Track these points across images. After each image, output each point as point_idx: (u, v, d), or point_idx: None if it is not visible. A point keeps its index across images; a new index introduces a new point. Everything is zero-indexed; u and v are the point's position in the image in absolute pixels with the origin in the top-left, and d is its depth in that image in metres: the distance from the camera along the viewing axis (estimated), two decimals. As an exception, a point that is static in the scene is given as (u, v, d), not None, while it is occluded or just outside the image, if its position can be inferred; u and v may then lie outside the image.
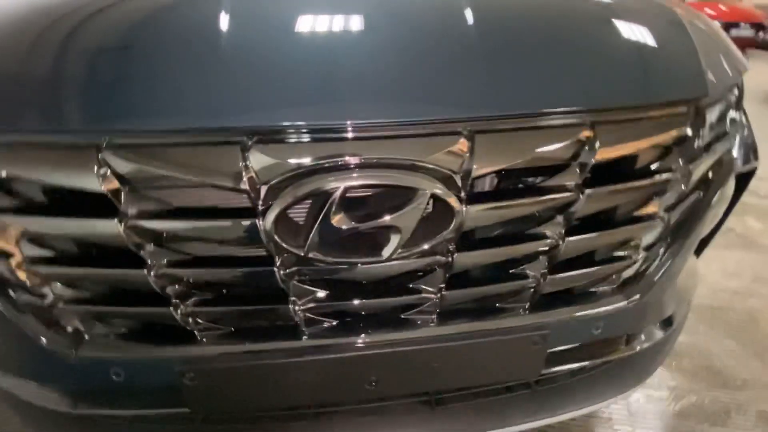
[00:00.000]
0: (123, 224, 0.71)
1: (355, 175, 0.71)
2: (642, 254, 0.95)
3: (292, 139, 0.71)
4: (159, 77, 0.71)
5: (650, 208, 0.90)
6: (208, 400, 0.86)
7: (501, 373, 0.95)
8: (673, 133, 0.84)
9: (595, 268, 0.92)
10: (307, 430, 0.95)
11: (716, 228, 1.18)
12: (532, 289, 0.89)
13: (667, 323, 1.11)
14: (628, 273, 0.98)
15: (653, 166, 0.88)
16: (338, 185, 0.70)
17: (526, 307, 0.91)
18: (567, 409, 1.05)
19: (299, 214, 0.79)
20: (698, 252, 1.22)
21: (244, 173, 0.69)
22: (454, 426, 0.98)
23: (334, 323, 0.85)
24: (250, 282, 0.81)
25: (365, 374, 0.86)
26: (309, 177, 0.70)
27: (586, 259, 0.93)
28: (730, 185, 1.06)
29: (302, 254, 0.74)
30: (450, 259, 0.80)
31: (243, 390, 0.85)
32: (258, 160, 0.69)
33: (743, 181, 1.12)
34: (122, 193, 0.71)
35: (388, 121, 0.71)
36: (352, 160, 0.70)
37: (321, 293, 0.82)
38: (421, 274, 0.85)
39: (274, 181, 0.70)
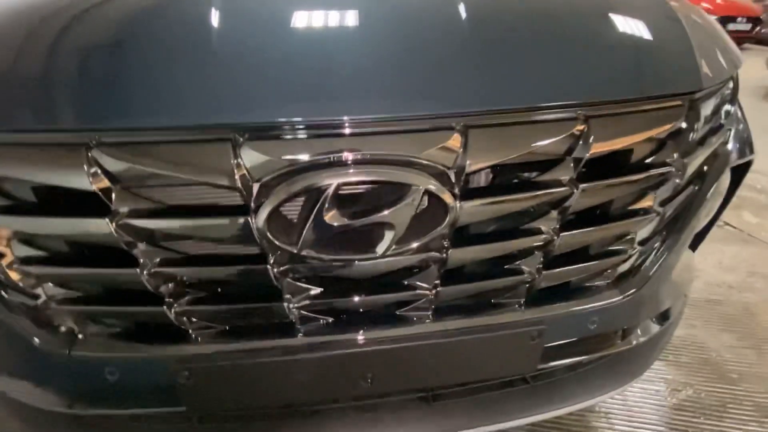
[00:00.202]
0: (114, 223, 0.70)
1: (348, 171, 0.70)
2: (637, 248, 0.95)
3: (285, 135, 0.70)
4: (148, 74, 0.71)
5: (645, 202, 0.90)
6: (204, 398, 0.86)
7: (498, 368, 0.95)
8: (668, 127, 0.84)
9: (591, 262, 0.92)
10: (304, 427, 0.95)
11: (712, 222, 1.18)
12: (528, 285, 0.89)
13: (664, 317, 1.11)
14: (624, 267, 0.99)
15: (648, 160, 0.88)
16: (331, 182, 0.69)
17: (522, 302, 0.91)
18: (564, 404, 1.05)
19: (292, 211, 0.78)
20: (694, 246, 1.22)
21: (236, 170, 0.68)
22: (452, 422, 0.98)
23: (329, 320, 0.85)
24: (244, 280, 0.81)
25: (361, 371, 0.86)
26: (301, 174, 0.70)
27: (581, 253, 0.93)
28: (726, 179, 1.06)
29: (295, 251, 0.73)
30: (444, 255, 0.80)
31: (238, 388, 0.85)
32: (250, 157, 0.68)
33: (738, 174, 1.12)
34: (113, 192, 0.71)
35: (381, 117, 0.70)
36: (345, 157, 0.70)
37: (315, 290, 0.82)
38: (415, 270, 0.84)
39: (266, 178, 0.69)
